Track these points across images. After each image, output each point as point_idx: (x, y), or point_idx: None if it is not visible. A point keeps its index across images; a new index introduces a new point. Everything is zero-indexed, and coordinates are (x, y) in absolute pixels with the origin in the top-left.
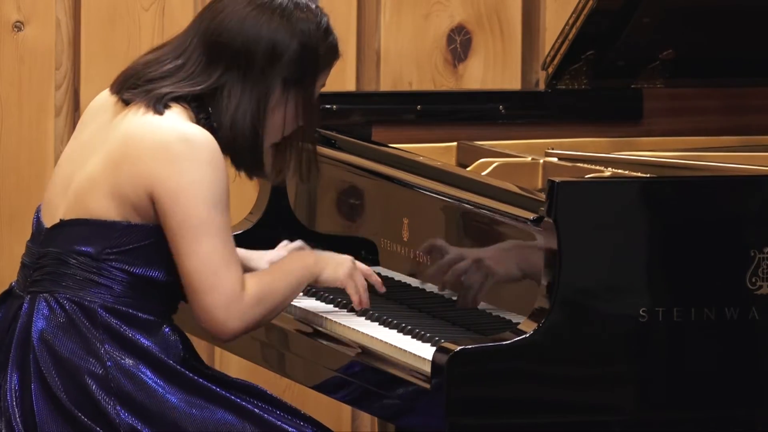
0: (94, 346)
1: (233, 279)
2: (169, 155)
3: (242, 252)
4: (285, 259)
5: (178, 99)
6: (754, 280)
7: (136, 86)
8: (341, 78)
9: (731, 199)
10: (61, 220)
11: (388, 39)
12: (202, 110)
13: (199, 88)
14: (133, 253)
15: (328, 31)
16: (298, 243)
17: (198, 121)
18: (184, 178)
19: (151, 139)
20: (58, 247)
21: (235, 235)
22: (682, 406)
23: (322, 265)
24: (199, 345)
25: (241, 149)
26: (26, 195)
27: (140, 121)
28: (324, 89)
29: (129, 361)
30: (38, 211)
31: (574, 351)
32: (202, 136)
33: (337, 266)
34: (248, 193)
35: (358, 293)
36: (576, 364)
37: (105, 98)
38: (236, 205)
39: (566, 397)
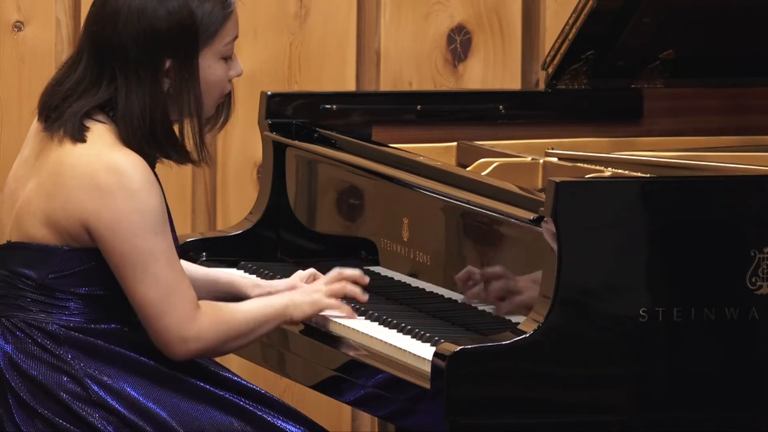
0: (65, 364)
1: (184, 300)
2: (99, 189)
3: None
4: (253, 300)
5: (91, 114)
6: (754, 280)
7: (48, 117)
8: (341, 78)
9: (731, 199)
10: (8, 241)
11: (388, 39)
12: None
13: (97, 96)
14: (75, 276)
15: None
16: (310, 271)
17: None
18: (119, 211)
19: (79, 172)
20: (6, 270)
21: (235, 235)
22: (682, 406)
23: (291, 310)
24: None
25: (144, 142)
26: None
27: (64, 152)
28: (324, 89)
29: (104, 374)
30: None
31: (574, 351)
32: (128, 162)
33: (304, 306)
34: (248, 193)
35: (341, 311)
36: (576, 364)
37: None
38: (236, 205)
39: (566, 397)
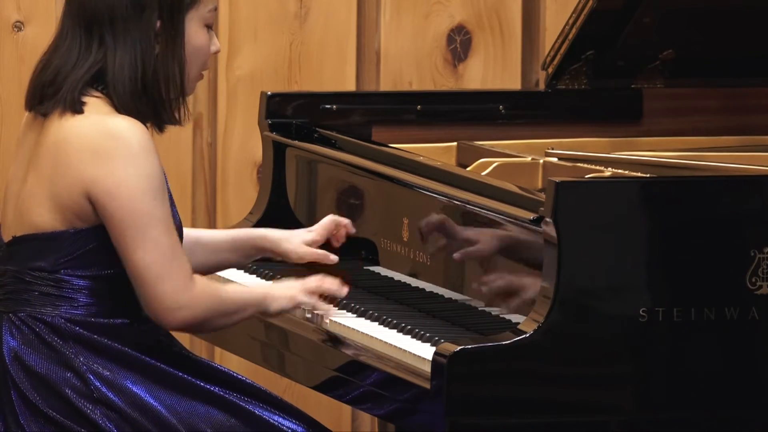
0: (68, 359)
1: (180, 267)
2: (97, 155)
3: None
4: (237, 284)
5: (86, 87)
6: (754, 280)
7: (43, 97)
8: (341, 78)
9: (731, 199)
10: (13, 237)
11: (388, 39)
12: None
13: (88, 64)
14: (84, 258)
15: None
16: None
17: (117, 106)
18: (118, 175)
19: (77, 142)
20: (14, 265)
21: None
22: (682, 406)
23: (269, 302)
24: (201, 345)
25: (137, 101)
26: None
27: (63, 127)
28: (324, 89)
29: (107, 369)
30: None
31: (574, 351)
32: (126, 126)
33: (281, 300)
34: (248, 193)
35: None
36: (576, 364)
37: (28, 118)
38: (236, 205)
39: (566, 397)
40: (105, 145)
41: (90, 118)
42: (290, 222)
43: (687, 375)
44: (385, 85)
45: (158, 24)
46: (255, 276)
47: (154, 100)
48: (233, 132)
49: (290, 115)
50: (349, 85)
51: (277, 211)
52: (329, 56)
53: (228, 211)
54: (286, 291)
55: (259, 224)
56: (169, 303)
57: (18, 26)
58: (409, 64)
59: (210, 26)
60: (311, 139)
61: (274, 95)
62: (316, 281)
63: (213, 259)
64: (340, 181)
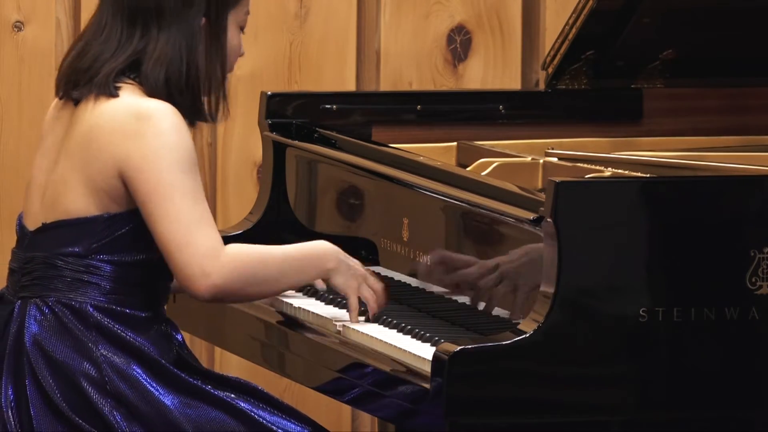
0: (87, 349)
1: (208, 236)
2: (128, 136)
3: None
4: (297, 246)
5: (122, 75)
6: (754, 280)
7: (78, 83)
8: (341, 78)
9: (731, 199)
10: (43, 223)
11: (388, 39)
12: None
13: (127, 53)
14: (117, 242)
15: None
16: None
17: (148, 93)
18: (147, 149)
19: (109, 125)
20: (44, 251)
21: (235, 235)
22: (682, 406)
23: (335, 272)
24: (200, 345)
25: (176, 91)
26: None
27: (96, 111)
28: (324, 89)
29: (123, 362)
30: (20, 218)
31: (574, 351)
32: (158, 107)
33: (350, 277)
34: (248, 193)
35: (374, 302)
36: (576, 364)
37: (56, 106)
38: (236, 205)
39: (566, 397)
40: (136, 126)
41: (122, 101)
42: (290, 222)
43: (687, 375)
44: (385, 85)
45: (203, 20)
46: None
47: (193, 95)
48: (233, 132)
49: (290, 115)
50: (349, 85)
51: (277, 211)
52: (329, 56)
53: (228, 211)
54: (356, 269)
55: (260, 224)
56: (195, 270)
57: (18, 26)
58: (409, 64)
59: (242, 29)
60: (311, 139)
61: (274, 95)
62: (369, 293)
63: None
64: (340, 181)
